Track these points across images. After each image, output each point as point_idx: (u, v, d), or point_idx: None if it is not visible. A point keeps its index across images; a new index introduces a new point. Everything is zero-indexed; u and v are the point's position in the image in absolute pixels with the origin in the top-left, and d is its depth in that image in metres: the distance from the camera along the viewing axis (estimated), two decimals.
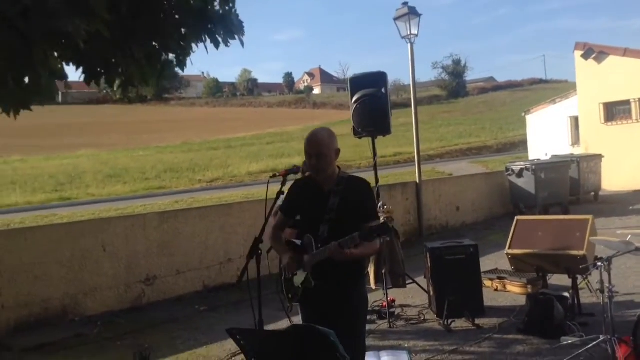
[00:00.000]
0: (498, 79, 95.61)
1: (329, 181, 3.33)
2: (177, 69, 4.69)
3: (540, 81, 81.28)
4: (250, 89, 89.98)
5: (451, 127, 47.75)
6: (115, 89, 4.40)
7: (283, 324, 5.44)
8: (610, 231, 7.82)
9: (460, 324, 6.01)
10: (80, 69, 4.11)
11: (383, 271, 6.56)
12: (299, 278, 3.30)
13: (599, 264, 4.68)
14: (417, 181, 11.72)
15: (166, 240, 7.84)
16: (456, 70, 74.23)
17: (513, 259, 6.09)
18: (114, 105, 78.73)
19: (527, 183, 12.67)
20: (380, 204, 6.71)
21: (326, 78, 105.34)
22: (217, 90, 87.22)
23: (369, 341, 5.72)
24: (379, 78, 6.78)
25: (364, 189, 3.39)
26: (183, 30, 4.16)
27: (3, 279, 6.36)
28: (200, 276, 8.09)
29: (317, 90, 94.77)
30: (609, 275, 4.57)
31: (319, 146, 3.26)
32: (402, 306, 6.91)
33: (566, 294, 5.58)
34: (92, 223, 7.41)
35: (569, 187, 13.49)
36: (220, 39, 4.21)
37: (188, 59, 4.41)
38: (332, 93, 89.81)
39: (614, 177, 15.80)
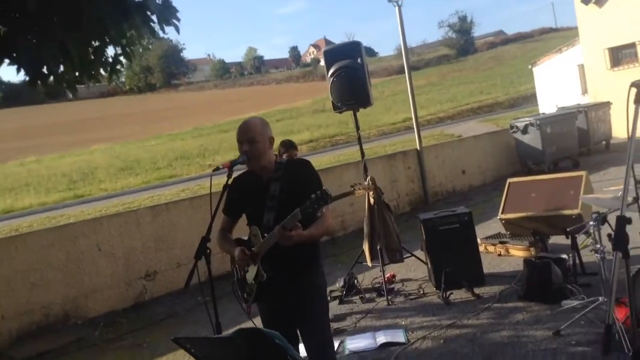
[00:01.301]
0: (507, 31, 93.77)
1: (267, 170, 3.21)
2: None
3: (550, 30, 79.27)
4: (257, 67, 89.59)
5: (461, 86, 47.08)
6: (65, 85, 4.27)
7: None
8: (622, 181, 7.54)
9: (460, 294, 5.87)
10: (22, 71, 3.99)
11: (378, 247, 6.43)
12: (251, 274, 3.18)
13: (591, 223, 4.50)
14: (418, 148, 11.48)
15: (162, 234, 7.78)
16: (463, 27, 72.74)
17: (507, 223, 5.90)
18: (124, 96, 79.13)
19: (533, 139, 12.34)
20: (368, 178, 6.56)
21: None
22: (224, 71, 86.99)
23: (367, 321, 5.66)
24: (354, 48, 6.49)
25: (303, 169, 3.27)
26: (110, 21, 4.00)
27: None
28: (202, 267, 8.01)
29: (323, 62, 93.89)
30: (599, 234, 4.37)
31: (250, 132, 3.15)
32: (403, 281, 6.80)
33: (564, 256, 5.39)
34: (84, 224, 7.33)
35: (577, 139, 13.13)
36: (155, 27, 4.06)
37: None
38: None
39: (622, 125, 15.32)
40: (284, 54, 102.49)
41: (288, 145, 5.80)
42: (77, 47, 3.78)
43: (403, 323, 5.40)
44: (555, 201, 5.53)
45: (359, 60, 6.47)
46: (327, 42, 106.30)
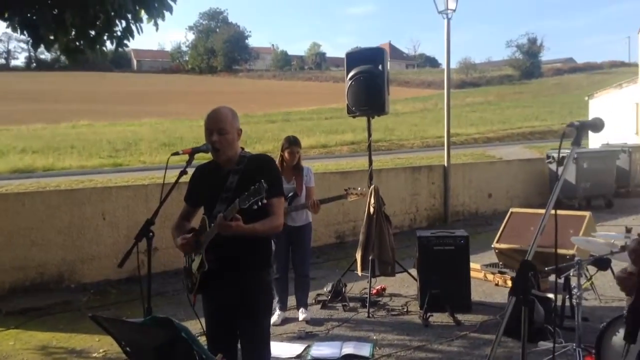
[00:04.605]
0: (577, 60, 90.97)
1: (230, 161, 3.18)
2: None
3: (622, 64, 76.36)
4: (318, 62, 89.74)
5: (518, 109, 45.94)
6: (60, 52, 4.36)
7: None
8: None
9: (442, 318, 5.74)
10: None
11: (371, 258, 6.35)
12: (196, 263, 3.17)
13: (576, 265, 4.31)
14: (445, 164, 11.26)
15: (169, 212, 7.81)
16: (531, 50, 70.93)
17: (501, 253, 5.73)
18: (185, 74, 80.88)
19: (567, 172, 11.91)
20: (372, 187, 6.48)
21: (396, 54, 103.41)
22: (285, 62, 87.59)
23: (341, 330, 5.59)
24: (377, 54, 6.42)
25: (264, 164, 3.22)
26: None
27: None
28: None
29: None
30: (578, 279, 4.18)
31: (221, 122, 3.11)
32: (392, 295, 6.70)
33: (551, 295, 5.18)
34: (93, 191, 7.52)
35: (615, 178, 12.62)
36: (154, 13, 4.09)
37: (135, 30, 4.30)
38: (401, 70, 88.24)
39: None
40: None
41: (292, 142, 5.77)
42: (72, 14, 3.85)
43: (375, 338, 5.31)
44: (552, 238, 5.29)
45: (380, 67, 6.40)
46: (392, 47, 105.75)
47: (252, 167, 3.17)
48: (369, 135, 6.65)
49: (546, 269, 4.82)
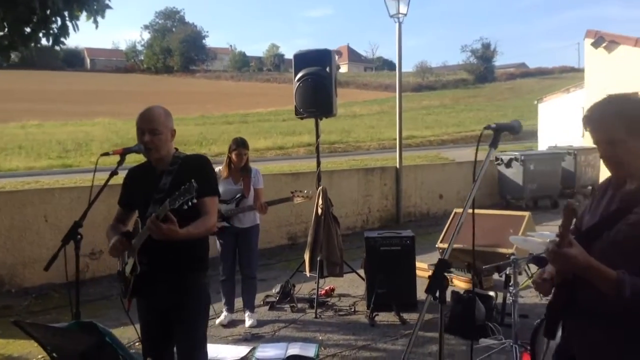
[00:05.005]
0: (530, 65, 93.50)
1: (164, 162, 3.13)
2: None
3: (572, 69, 78.91)
4: (276, 64, 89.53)
5: (472, 113, 46.90)
6: None
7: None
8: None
9: (388, 317, 5.79)
10: None
11: (319, 258, 6.36)
12: (129, 266, 3.11)
13: (512, 263, 4.41)
14: (397, 166, 11.39)
15: (114, 213, 7.71)
16: (485, 54, 72.46)
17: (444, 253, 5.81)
18: (140, 74, 79.42)
19: (515, 174, 12.24)
20: (320, 188, 6.50)
21: (354, 57, 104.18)
22: (243, 64, 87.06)
23: (288, 331, 5.58)
24: (324, 56, 6.44)
25: (199, 165, 3.18)
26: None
27: None
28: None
29: (344, 69, 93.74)
30: (514, 277, 4.29)
31: (154, 122, 3.06)
32: (340, 295, 6.72)
33: (492, 293, 5.30)
34: (35, 193, 7.30)
35: (561, 179, 13.02)
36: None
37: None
38: (359, 72, 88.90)
39: None
40: None
41: (239, 143, 5.72)
42: (2, 10, 3.74)
43: (321, 338, 5.32)
44: (493, 238, 5.45)
45: (327, 69, 6.42)
46: (350, 49, 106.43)
47: (186, 167, 3.12)
48: (317, 136, 6.67)
49: (484, 267, 4.93)
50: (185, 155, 3.23)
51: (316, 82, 6.28)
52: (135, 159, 3.29)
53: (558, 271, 2.20)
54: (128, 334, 5.00)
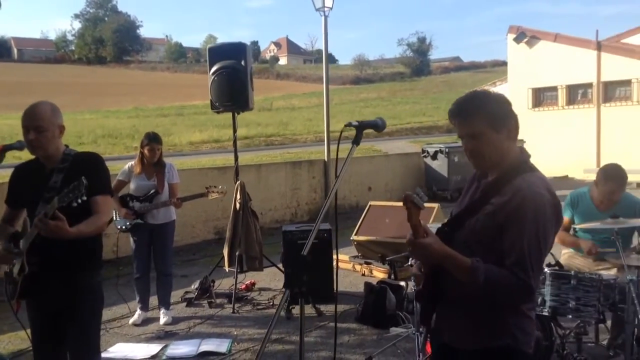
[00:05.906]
0: (464, 59, 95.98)
1: (53, 159, 3.05)
2: None
3: (503, 63, 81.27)
4: None
5: (408, 105, 47.75)
6: None
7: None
8: None
9: (306, 310, 5.83)
10: None
11: (237, 253, 6.35)
12: (17, 266, 3.02)
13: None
14: (325, 159, 11.48)
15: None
16: (420, 48, 73.90)
17: (359, 245, 5.94)
18: (71, 65, 76.66)
19: (440, 166, 12.59)
20: (238, 183, 6.47)
21: (293, 49, 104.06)
22: (179, 55, 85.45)
23: (203, 327, 5.55)
24: (239, 49, 6.38)
25: (91, 163, 3.12)
26: None
27: None
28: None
29: (283, 61, 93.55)
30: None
31: (38, 119, 2.98)
32: (260, 290, 6.74)
33: (403, 283, 5.45)
34: None
35: None
36: None
37: None
38: (298, 65, 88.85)
39: (536, 163, 15.80)
40: None
41: (152, 138, 5.62)
42: None
43: (235, 333, 5.33)
44: (404, 229, 5.56)
45: (242, 63, 6.38)
46: (289, 41, 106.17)
47: (78, 165, 3.05)
48: (234, 131, 6.65)
49: (387, 258, 5.06)
50: (76, 153, 3.16)
51: (231, 76, 6.23)
52: (25, 156, 3.20)
53: (421, 261, 2.30)
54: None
